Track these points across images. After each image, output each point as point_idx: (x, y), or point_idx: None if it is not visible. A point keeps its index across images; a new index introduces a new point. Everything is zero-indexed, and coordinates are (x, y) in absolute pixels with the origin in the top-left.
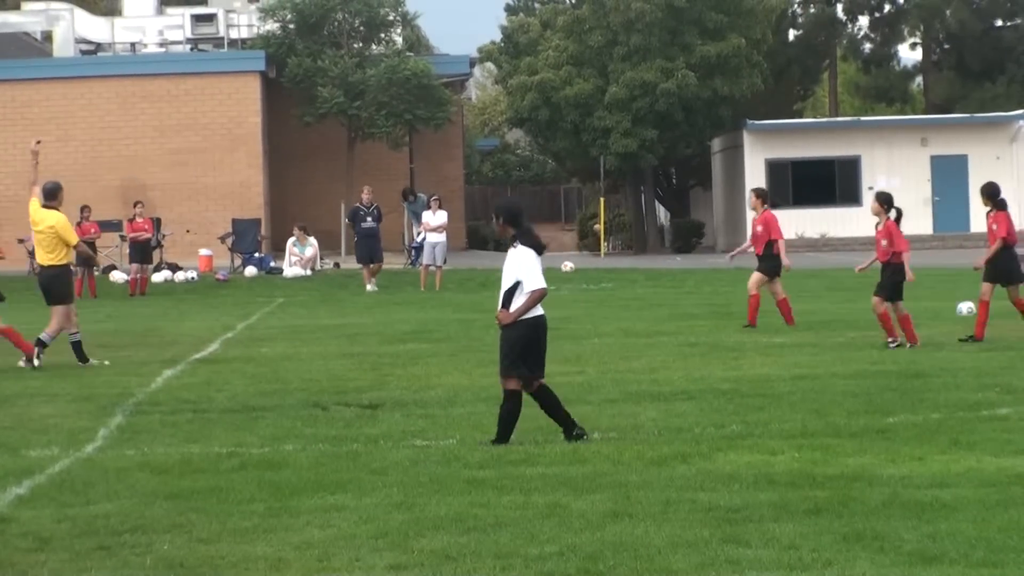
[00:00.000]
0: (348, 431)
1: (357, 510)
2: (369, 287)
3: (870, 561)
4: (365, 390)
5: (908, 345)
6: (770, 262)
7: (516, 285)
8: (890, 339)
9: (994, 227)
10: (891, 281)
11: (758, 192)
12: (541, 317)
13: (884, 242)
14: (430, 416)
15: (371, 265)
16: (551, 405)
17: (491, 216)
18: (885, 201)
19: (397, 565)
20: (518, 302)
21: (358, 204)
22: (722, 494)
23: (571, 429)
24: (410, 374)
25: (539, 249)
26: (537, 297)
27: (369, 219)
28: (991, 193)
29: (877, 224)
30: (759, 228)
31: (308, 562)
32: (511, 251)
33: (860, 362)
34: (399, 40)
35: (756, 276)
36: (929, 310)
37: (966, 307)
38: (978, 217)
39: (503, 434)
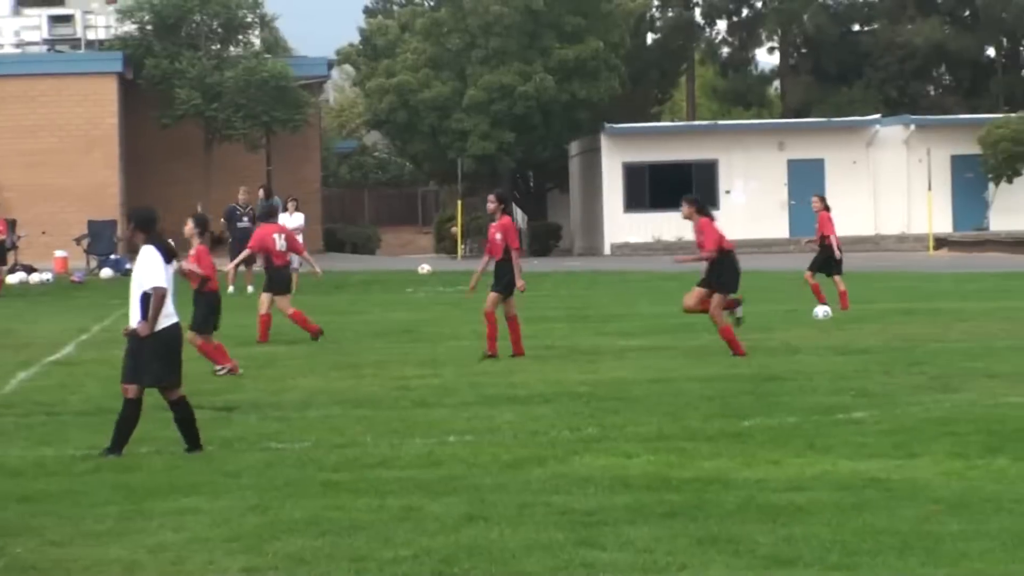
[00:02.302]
0: (203, 433)
1: (211, 513)
2: (235, 287)
3: (725, 564)
4: (220, 392)
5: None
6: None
7: (148, 295)
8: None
9: (498, 237)
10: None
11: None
12: (175, 325)
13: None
14: (285, 419)
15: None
16: (186, 420)
17: (343, 218)
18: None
19: (251, 568)
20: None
21: (234, 204)
22: (577, 497)
23: (194, 446)
24: (265, 376)
25: (168, 255)
26: (161, 296)
27: (245, 219)
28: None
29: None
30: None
31: (162, 565)
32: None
33: (716, 366)
34: (257, 42)
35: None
36: (784, 313)
37: (822, 311)
38: (834, 220)
39: (118, 442)
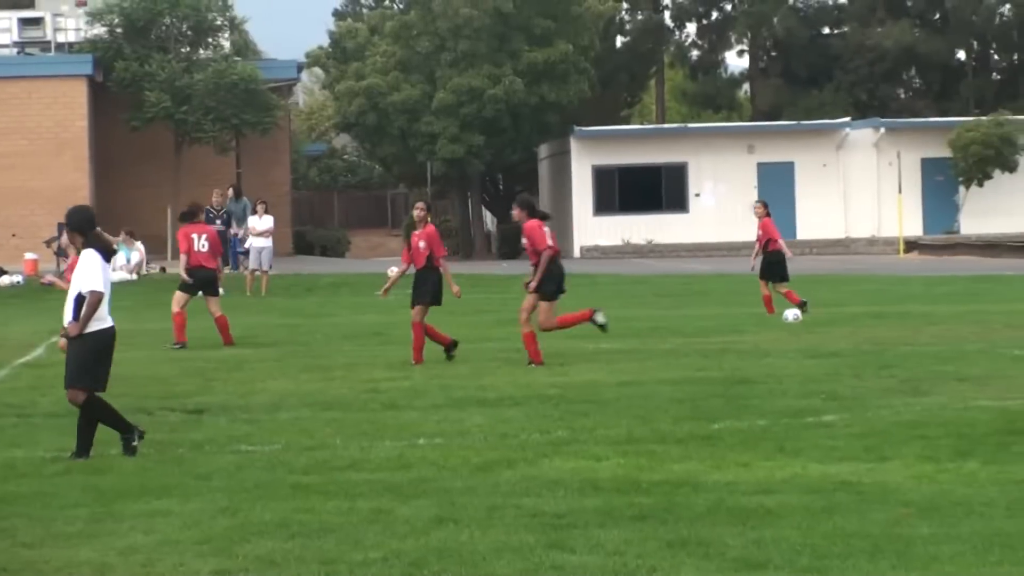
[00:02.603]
0: (173, 436)
1: (181, 515)
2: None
3: (695, 567)
4: (191, 395)
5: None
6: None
7: (82, 297)
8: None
9: (421, 245)
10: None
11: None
12: (110, 328)
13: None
14: (255, 421)
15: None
16: (108, 415)
17: (312, 221)
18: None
19: (221, 571)
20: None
21: (208, 206)
22: (547, 500)
23: (132, 436)
24: (235, 379)
25: (106, 253)
26: (95, 300)
27: (218, 222)
28: (428, 208)
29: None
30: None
31: (132, 567)
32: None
33: (686, 368)
34: (226, 45)
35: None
36: (754, 316)
37: (792, 314)
38: (804, 224)
39: (83, 445)
